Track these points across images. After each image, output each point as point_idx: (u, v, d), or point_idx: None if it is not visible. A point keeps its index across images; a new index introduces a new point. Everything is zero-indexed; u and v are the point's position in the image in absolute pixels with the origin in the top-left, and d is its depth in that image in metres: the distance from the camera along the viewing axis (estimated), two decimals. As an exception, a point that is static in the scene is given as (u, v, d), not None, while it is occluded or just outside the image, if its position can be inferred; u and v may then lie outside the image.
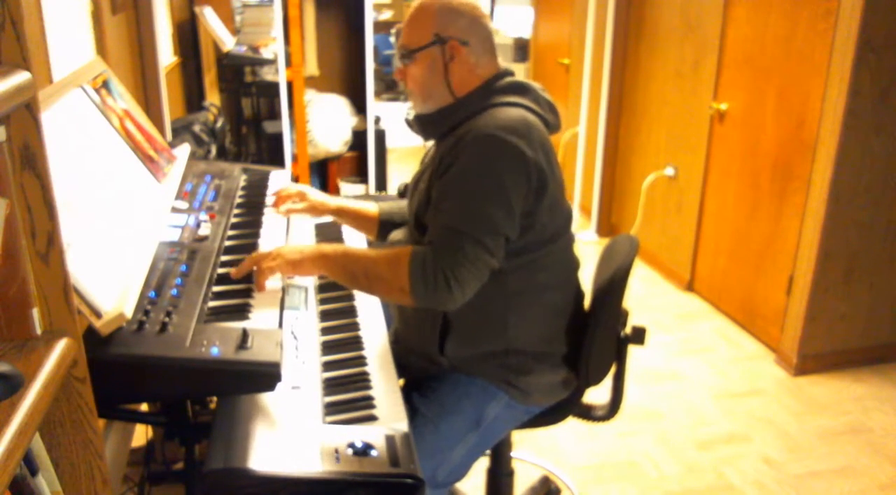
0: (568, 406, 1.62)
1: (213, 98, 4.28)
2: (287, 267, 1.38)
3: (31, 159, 0.80)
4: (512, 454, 1.83)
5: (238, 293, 1.35)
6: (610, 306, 1.58)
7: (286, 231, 1.73)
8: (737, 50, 3.15)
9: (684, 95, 3.54)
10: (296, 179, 4.02)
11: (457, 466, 1.45)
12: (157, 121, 2.80)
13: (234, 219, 1.68)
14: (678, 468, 2.35)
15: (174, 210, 1.59)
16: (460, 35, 1.42)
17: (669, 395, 2.76)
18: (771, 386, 2.83)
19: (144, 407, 2.11)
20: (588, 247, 4.18)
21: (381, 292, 1.40)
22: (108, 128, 1.51)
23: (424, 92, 1.46)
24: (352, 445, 1.13)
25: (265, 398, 1.22)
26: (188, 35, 3.89)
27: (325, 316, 1.54)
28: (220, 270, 1.41)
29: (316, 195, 1.76)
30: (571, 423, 1.71)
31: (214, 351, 1.11)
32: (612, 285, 1.56)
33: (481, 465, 1.77)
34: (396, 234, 1.62)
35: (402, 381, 1.46)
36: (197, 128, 2.85)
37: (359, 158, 4.48)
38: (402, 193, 1.82)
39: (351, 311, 1.57)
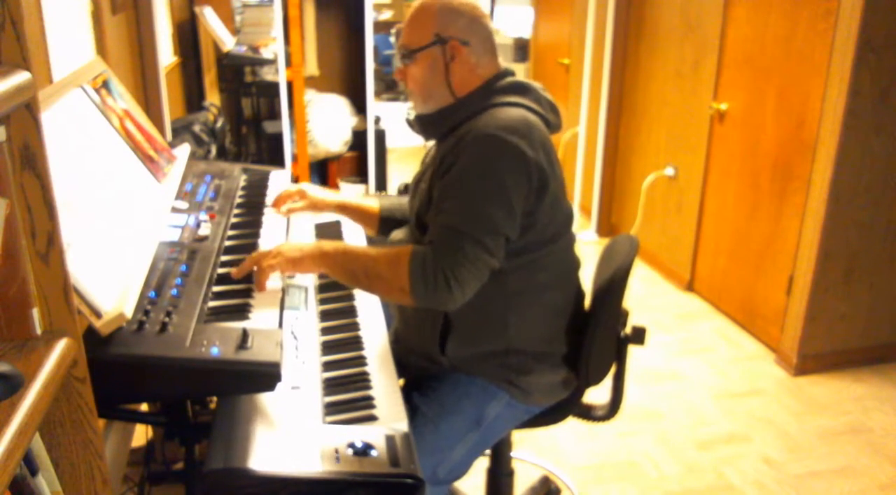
0: (568, 406, 1.62)
1: (213, 98, 4.28)
2: (287, 265, 1.38)
3: (31, 159, 0.80)
4: (512, 454, 1.83)
5: (238, 293, 1.35)
6: (610, 306, 1.58)
7: (286, 231, 1.73)
8: (737, 50, 3.15)
9: (684, 95, 3.54)
10: (296, 179, 4.02)
11: (457, 464, 1.45)
12: (157, 121, 2.80)
13: (234, 219, 1.68)
14: (678, 468, 2.35)
15: (174, 210, 1.59)
16: (461, 35, 1.42)
17: (669, 395, 2.76)
18: (771, 386, 2.83)
19: (144, 407, 2.11)
20: (588, 247, 4.18)
21: (381, 291, 1.40)
22: (108, 128, 1.51)
23: (425, 92, 1.46)
24: (352, 445, 1.13)
25: (265, 398, 1.22)
26: (188, 35, 3.89)
27: (325, 316, 1.54)
28: (220, 270, 1.41)
29: (316, 192, 1.76)
30: (571, 423, 1.71)
31: (214, 351, 1.11)
32: (612, 285, 1.56)
33: (481, 465, 1.77)
34: (397, 234, 1.63)
35: (402, 381, 1.46)
36: (197, 128, 2.85)
37: (359, 158, 4.48)
38: (402, 193, 1.82)
39: (351, 311, 1.57)
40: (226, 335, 1.16)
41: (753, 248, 3.14)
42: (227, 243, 1.55)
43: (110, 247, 1.22)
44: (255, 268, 1.39)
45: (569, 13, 4.59)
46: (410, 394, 1.45)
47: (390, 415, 1.25)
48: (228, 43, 3.88)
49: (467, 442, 1.46)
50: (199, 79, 3.91)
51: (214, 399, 1.64)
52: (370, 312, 1.57)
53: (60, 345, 0.83)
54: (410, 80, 1.47)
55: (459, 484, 2.10)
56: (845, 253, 2.77)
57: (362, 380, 1.34)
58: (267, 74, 4.44)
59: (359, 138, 4.36)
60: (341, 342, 1.45)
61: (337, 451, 1.11)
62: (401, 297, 1.34)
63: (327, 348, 1.43)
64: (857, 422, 2.59)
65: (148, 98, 2.84)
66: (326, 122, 4.34)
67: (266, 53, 4.07)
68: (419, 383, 1.50)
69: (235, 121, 4.68)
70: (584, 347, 1.54)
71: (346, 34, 4.69)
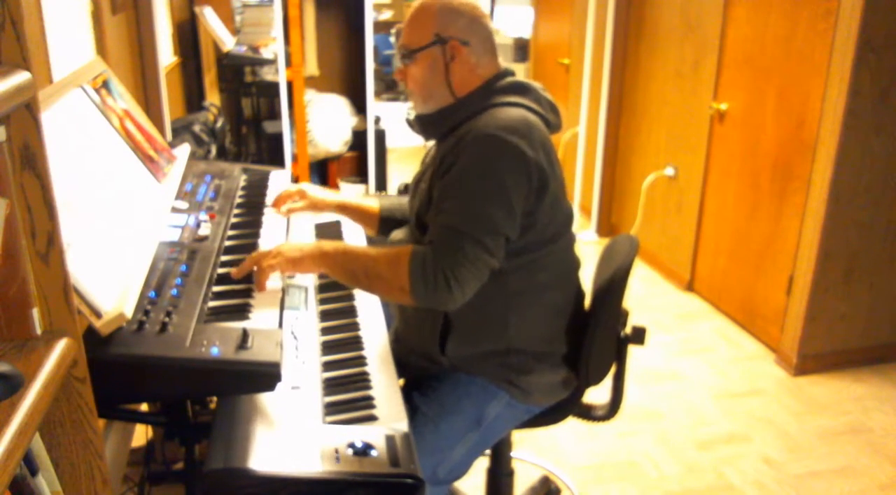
0: (568, 406, 1.62)
1: (213, 98, 4.28)
2: (287, 264, 1.38)
3: (31, 159, 0.80)
4: (512, 454, 1.83)
5: (238, 293, 1.35)
6: (610, 306, 1.58)
7: (286, 231, 1.73)
8: (737, 50, 3.15)
9: (684, 95, 3.54)
10: (296, 179, 4.02)
11: (457, 464, 1.45)
12: (157, 121, 2.80)
13: (234, 219, 1.68)
14: (678, 468, 2.35)
15: (174, 210, 1.59)
16: (461, 35, 1.42)
17: (669, 395, 2.76)
18: (771, 386, 2.83)
19: (144, 407, 2.11)
20: (588, 247, 4.18)
21: (381, 291, 1.40)
22: (108, 128, 1.51)
23: (425, 92, 1.46)
24: (352, 445, 1.13)
25: (265, 398, 1.22)
26: (188, 35, 3.89)
27: (325, 316, 1.54)
28: (220, 270, 1.41)
29: (316, 192, 1.76)
30: (571, 423, 1.71)
31: (214, 351, 1.11)
32: (612, 285, 1.56)
33: (481, 465, 1.77)
34: (397, 234, 1.63)
35: (402, 381, 1.46)
36: (197, 128, 2.85)
37: (359, 158, 4.48)
38: (402, 193, 1.82)
39: (351, 311, 1.57)
40: (226, 335, 1.16)
41: (753, 248, 3.14)
42: (227, 243, 1.55)
43: (110, 247, 1.22)
44: (254, 268, 1.39)
45: (569, 13, 4.59)
46: (410, 394, 1.45)
47: (390, 415, 1.25)
48: (228, 43, 3.88)
49: (467, 442, 1.46)
50: (199, 79, 3.91)
51: (214, 399, 1.64)
52: (370, 312, 1.57)
53: (60, 345, 0.83)
54: (410, 79, 1.47)
55: (459, 484, 2.10)
56: (845, 253, 2.77)
57: (362, 380, 1.34)
58: (267, 74, 4.44)
59: (359, 138, 4.36)
60: (341, 342, 1.45)
61: (337, 451, 1.11)
62: (401, 297, 1.34)
63: (327, 348, 1.43)
64: (857, 422, 2.59)
65: (148, 98, 2.84)
66: (326, 122, 4.34)
67: (266, 53, 4.07)
68: (419, 383, 1.50)
69: (235, 121, 4.68)
70: (584, 347, 1.54)
71: (346, 34, 4.69)
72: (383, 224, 1.75)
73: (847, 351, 2.91)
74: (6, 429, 0.67)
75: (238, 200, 1.79)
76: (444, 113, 1.46)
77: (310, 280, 1.64)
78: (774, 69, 2.93)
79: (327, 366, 1.37)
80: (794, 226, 2.86)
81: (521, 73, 3.84)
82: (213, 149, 2.95)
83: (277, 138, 4.03)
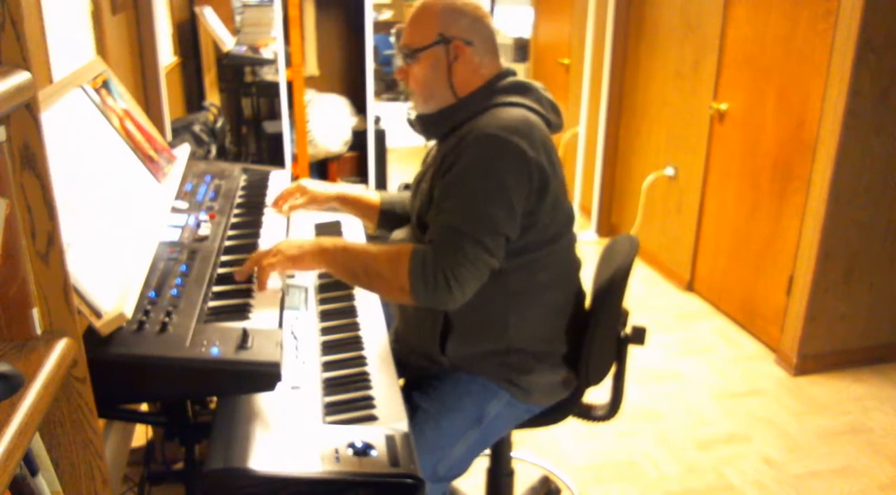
0: (568, 406, 1.62)
1: (213, 98, 4.28)
2: (287, 262, 1.38)
3: (31, 159, 0.80)
4: (512, 454, 1.83)
5: (238, 293, 1.35)
6: (610, 306, 1.58)
7: (286, 230, 1.73)
8: (737, 50, 3.15)
9: (684, 95, 3.54)
10: (295, 178, 4.02)
11: (457, 462, 1.45)
12: (157, 121, 2.80)
13: (234, 219, 1.68)
14: (678, 468, 2.35)
15: (174, 210, 1.59)
16: (464, 35, 1.42)
17: (669, 395, 2.76)
18: (771, 386, 2.83)
19: (144, 407, 2.11)
20: (588, 247, 4.18)
21: (381, 290, 1.40)
22: (108, 128, 1.51)
23: (426, 91, 1.46)
24: (352, 445, 1.13)
25: (265, 398, 1.22)
26: (188, 35, 3.89)
27: (325, 316, 1.54)
28: (220, 270, 1.41)
29: (315, 186, 1.76)
30: (571, 423, 1.71)
31: (214, 351, 1.11)
32: (612, 285, 1.56)
33: (481, 465, 1.77)
34: (398, 234, 1.62)
35: (402, 381, 1.46)
36: (197, 128, 2.85)
37: (359, 158, 4.48)
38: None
39: (351, 311, 1.57)
40: (226, 335, 1.16)
41: (753, 248, 3.14)
42: (227, 243, 1.55)
43: (110, 247, 1.22)
44: (255, 268, 1.39)
45: (569, 13, 4.59)
46: (411, 394, 1.45)
47: (390, 415, 1.25)
48: (228, 43, 3.88)
49: (468, 440, 1.46)
50: (199, 79, 3.91)
51: (214, 399, 1.64)
52: (370, 312, 1.57)
53: (60, 345, 0.83)
54: (412, 79, 1.47)
55: (459, 484, 2.10)
56: (845, 253, 2.76)
57: (362, 380, 1.34)
58: (267, 74, 4.44)
59: (359, 138, 4.36)
60: (341, 342, 1.45)
61: (337, 451, 1.11)
62: (400, 296, 1.34)
63: (327, 348, 1.43)
64: (857, 422, 2.59)
65: (148, 98, 2.84)
66: (326, 122, 4.34)
67: (266, 53, 4.07)
68: (419, 382, 1.50)
69: (235, 121, 4.68)
70: (584, 347, 1.54)
71: (346, 34, 4.69)
72: (383, 217, 1.75)
73: (847, 351, 2.91)
74: (6, 429, 0.67)
75: (238, 200, 1.79)
76: (446, 113, 1.46)
77: (310, 280, 1.64)
78: (774, 69, 2.93)
79: (327, 366, 1.37)
80: (794, 226, 2.86)
81: (521, 72, 3.83)
82: (213, 149, 2.95)
83: (277, 138, 4.02)
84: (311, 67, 4.64)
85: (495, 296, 1.43)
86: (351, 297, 1.62)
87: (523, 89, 1.46)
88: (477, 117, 1.40)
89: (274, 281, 1.39)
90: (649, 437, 2.50)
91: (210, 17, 3.77)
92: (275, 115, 4.24)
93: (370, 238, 1.89)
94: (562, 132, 1.61)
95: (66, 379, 0.87)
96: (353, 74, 4.72)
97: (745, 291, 3.22)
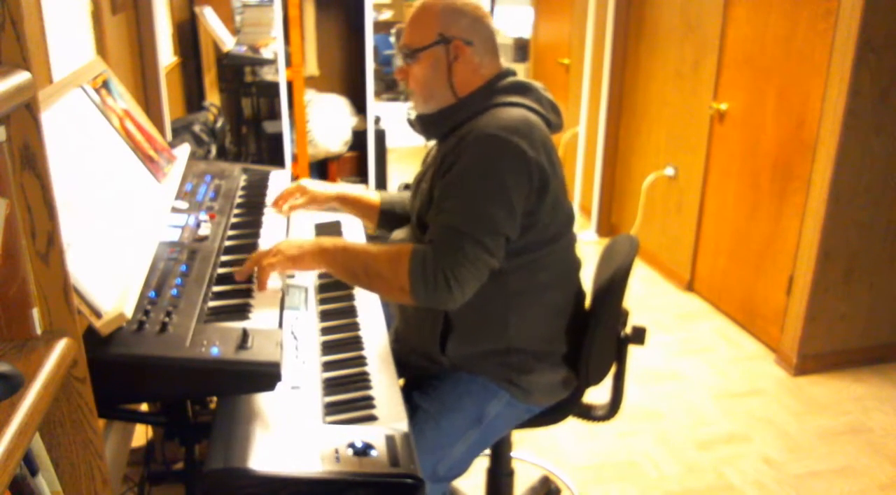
0: (568, 406, 1.62)
1: (213, 98, 4.28)
2: (287, 262, 1.38)
3: (31, 159, 0.80)
4: (512, 454, 1.83)
5: (238, 293, 1.35)
6: (610, 306, 1.58)
7: (286, 230, 1.73)
8: (737, 50, 3.15)
9: (684, 95, 3.54)
10: (295, 178, 4.02)
11: (457, 462, 1.45)
12: (157, 121, 2.80)
13: (234, 219, 1.68)
14: (678, 468, 2.35)
15: (174, 210, 1.59)
16: (464, 35, 1.42)
17: (669, 395, 2.76)
18: (771, 386, 2.83)
19: (144, 407, 2.11)
20: (588, 247, 4.18)
21: (381, 290, 1.40)
22: (108, 128, 1.51)
23: (426, 91, 1.46)
24: (352, 445, 1.13)
25: (265, 398, 1.22)
26: (188, 35, 3.89)
27: (325, 316, 1.54)
28: (220, 270, 1.41)
29: (315, 186, 1.76)
30: (571, 423, 1.71)
31: (214, 351, 1.11)
32: (612, 285, 1.56)
33: (481, 465, 1.77)
34: (399, 234, 1.63)
35: (402, 381, 1.46)
36: (197, 128, 2.85)
37: (359, 158, 4.48)
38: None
39: (351, 311, 1.57)
40: (226, 335, 1.16)
41: (753, 248, 3.14)
42: (227, 243, 1.55)
43: (110, 247, 1.22)
44: (255, 268, 1.39)
45: (569, 13, 4.59)
46: (411, 394, 1.45)
47: (390, 415, 1.25)
48: (228, 43, 3.88)
49: (468, 440, 1.46)
50: (199, 79, 3.91)
51: (214, 399, 1.64)
52: (370, 312, 1.57)
53: (60, 345, 0.83)
54: (412, 79, 1.47)
55: (459, 484, 2.10)
56: (845, 253, 2.77)
57: (362, 380, 1.34)
58: (267, 74, 4.44)
59: (359, 138, 4.36)
60: (341, 342, 1.45)
61: (337, 451, 1.11)
62: (400, 296, 1.34)
63: (327, 348, 1.43)
64: (857, 422, 2.59)
65: (148, 98, 2.84)
66: (326, 122, 4.34)
67: (266, 53, 4.07)
68: (419, 382, 1.50)
69: (235, 121, 4.68)
70: (584, 347, 1.54)
71: (346, 34, 4.69)
72: (383, 217, 1.75)
73: (847, 351, 2.91)
74: (6, 429, 0.67)
75: (238, 200, 1.79)
76: (446, 113, 1.46)
77: (310, 280, 1.64)
78: (774, 69, 2.93)
79: (327, 366, 1.37)
80: (794, 226, 2.86)
81: (521, 72, 3.84)
82: (213, 149, 2.95)
83: (277, 138, 4.03)
84: (311, 67, 4.64)
85: (495, 296, 1.43)
86: (351, 297, 1.62)
87: (523, 89, 1.46)
88: (477, 117, 1.40)
89: (274, 281, 1.39)
90: (649, 437, 2.50)
91: (210, 17, 3.77)
92: (275, 115, 4.24)
93: (370, 238, 1.89)
94: (562, 132, 1.61)
95: (66, 379, 0.87)
96: (353, 74, 4.72)
97: (745, 291, 3.22)
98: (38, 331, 0.85)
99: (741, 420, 2.60)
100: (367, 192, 1.78)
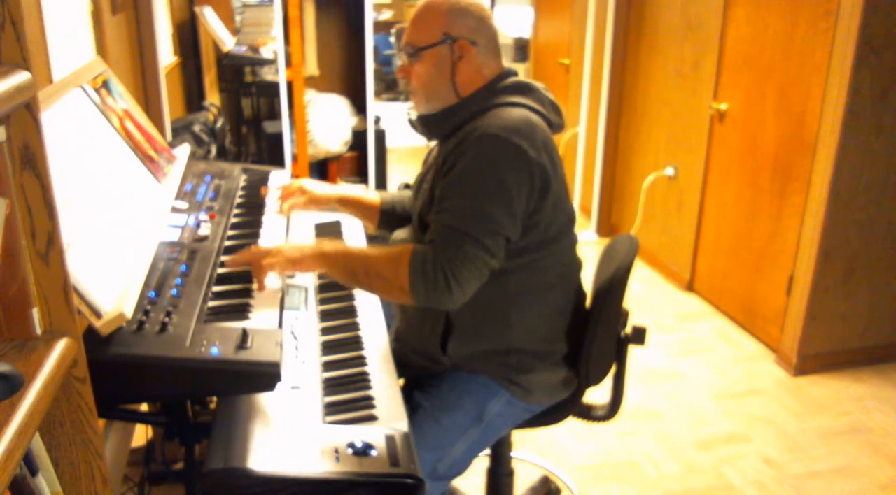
0: (568, 406, 1.62)
1: (213, 98, 4.28)
2: (287, 264, 1.38)
3: (31, 159, 0.80)
4: (512, 454, 1.83)
5: (238, 293, 1.35)
6: (610, 306, 1.58)
7: (286, 231, 1.73)
8: (737, 50, 3.15)
9: (684, 95, 3.54)
10: (295, 178, 4.02)
11: (457, 460, 1.46)
12: (157, 121, 2.80)
13: (234, 219, 1.68)
14: (678, 468, 2.35)
15: (174, 210, 1.59)
16: (469, 34, 1.42)
17: (669, 395, 2.76)
18: (771, 386, 2.83)
19: (144, 407, 2.11)
20: (588, 247, 4.18)
21: (381, 290, 1.40)
22: (108, 128, 1.51)
23: (428, 91, 1.46)
24: (352, 445, 1.13)
25: (265, 398, 1.22)
26: (188, 35, 3.89)
27: (325, 316, 1.54)
28: (220, 270, 1.42)
29: (316, 187, 1.76)
30: (571, 423, 1.71)
31: (214, 351, 1.11)
32: (613, 285, 1.56)
33: (481, 465, 1.77)
34: (400, 234, 1.63)
35: (402, 381, 1.46)
36: (197, 128, 2.85)
37: (359, 158, 4.48)
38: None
39: (351, 311, 1.57)
40: (226, 335, 1.16)
41: (753, 248, 3.14)
42: (227, 243, 1.55)
43: (110, 247, 1.22)
44: (254, 268, 1.39)
45: (569, 13, 4.59)
46: (411, 393, 1.46)
47: (390, 415, 1.25)
48: (228, 43, 3.88)
49: (468, 438, 1.46)
50: (199, 79, 3.91)
51: (214, 399, 1.64)
52: (370, 312, 1.57)
53: (60, 345, 0.83)
54: (415, 78, 1.46)
55: (459, 484, 2.10)
56: (845, 253, 2.77)
57: (362, 380, 1.34)
58: (267, 74, 4.44)
59: (359, 138, 4.36)
60: (341, 342, 1.45)
61: (337, 451, 1.11)
62: (401, 297, 1.34)
63: (327, 348, 1.43)
64: (857, 422, 2.59)
65: (148, 98, 2.84)
66: (326, 122, 4.34)
67: (266, 53, 4.07)
68: (420, 382, 1.50)
69: (235, 121, 4.68)
70: (584, 347, 1.54)
71: (346, 34, 4.69)
72: (384, 217, 1.74)
73: (847, 351, 2.91)
74: (6, 429, 0.67)
75: (238, 200, 1.79)
76: (447, 113, 1.46)
77: (310, 280, 1.64)
78: (774, 69, 2.93)
79: (327, 366, 1.37)
80: (794, 226, 2.86)
81: (521, 72, 3.83)
82: (213, 149, 2.95)
83: (277, 138, 4.03)
84: (311, 67, 4.64)
85: (496, 296, 1.43)
86: (351, 297, 1.62)
87: (525, 89, 1.46)
88: (478, 117, 1.40)
89: (273, 281, 1.39)
90: (649, 437, 2.50)
91: (210, 17, 3.77)
92: (275, 115, 4.24)
93: (371, 238, 1.89)
94: (562, 132, 1.61)
95: (66, 379, 0.87)
96: (353, 74, 4.72)
97: (745, 291, 3.22)
98: (38, 331, 0.85)
99: (741, 420, 2.60)
100: (367, 193, 1.78)
